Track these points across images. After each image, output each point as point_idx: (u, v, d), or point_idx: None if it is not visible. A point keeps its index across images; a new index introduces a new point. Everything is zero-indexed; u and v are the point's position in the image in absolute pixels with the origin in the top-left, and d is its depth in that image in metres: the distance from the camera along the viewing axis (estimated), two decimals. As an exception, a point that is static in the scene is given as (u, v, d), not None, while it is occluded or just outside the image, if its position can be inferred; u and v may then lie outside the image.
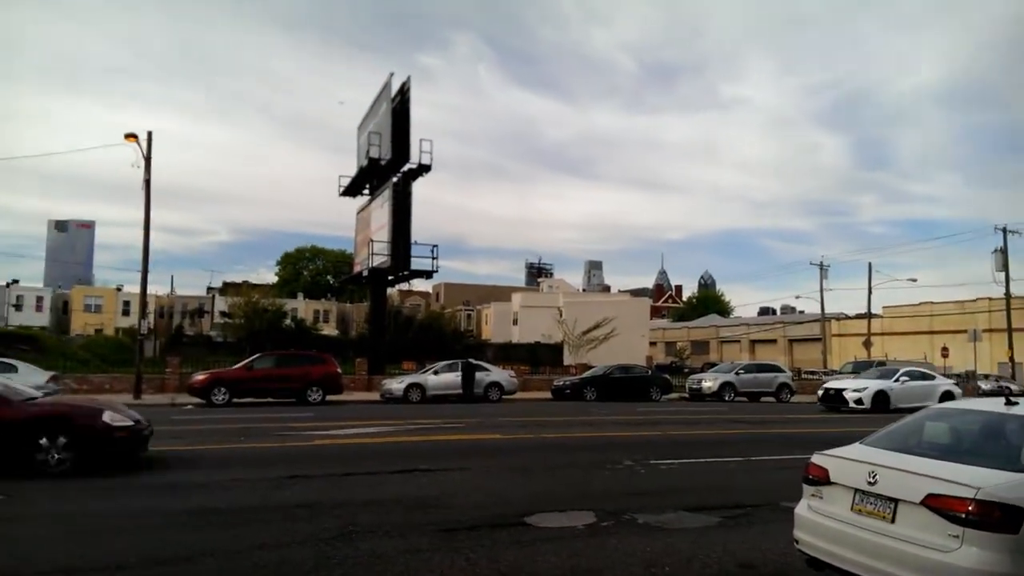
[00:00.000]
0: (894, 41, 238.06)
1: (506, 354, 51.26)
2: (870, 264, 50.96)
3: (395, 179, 33.88)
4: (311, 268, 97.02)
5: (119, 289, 76.13)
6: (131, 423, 9.74)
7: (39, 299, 73.90)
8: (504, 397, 27.09)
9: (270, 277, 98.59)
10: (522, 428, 16.16)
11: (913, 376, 25.55)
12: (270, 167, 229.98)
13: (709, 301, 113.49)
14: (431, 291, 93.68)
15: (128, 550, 5.74)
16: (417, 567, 5.47)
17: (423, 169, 33.19)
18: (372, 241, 34.40)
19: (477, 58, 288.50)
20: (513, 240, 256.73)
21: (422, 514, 7.23)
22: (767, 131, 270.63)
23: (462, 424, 16.64)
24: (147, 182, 25.87)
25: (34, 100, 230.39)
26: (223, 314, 65.00)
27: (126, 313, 71.01)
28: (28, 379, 21.30)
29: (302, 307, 76.10)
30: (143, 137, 25.63)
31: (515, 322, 69.79)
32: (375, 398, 26.35)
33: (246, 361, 24.45)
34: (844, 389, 24.52)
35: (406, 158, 33.13)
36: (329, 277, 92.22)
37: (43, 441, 8.96)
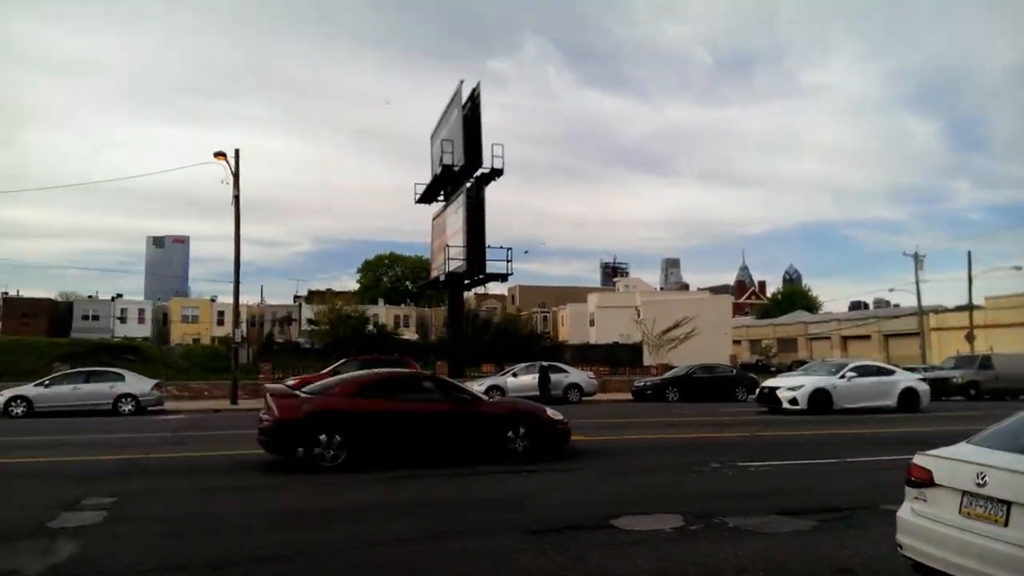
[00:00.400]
0: (986, 17, 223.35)
1: (584, 355, 50.98)
2: (969, 252, 47.66)
3: (468, 184, 34.28)
4: (390, 275, 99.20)
5: (213, 300, 79.94)
6: (563, 418, 11.63)
7: (141, 311, 78.34)
8: (584, 398, 26.95)
9: (352, 284, 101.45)
10: (604, 430, 16.04)
11: (865, 372, 21.86)
12: (349, 179, 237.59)
13: (795, 296, 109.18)
14: (507, 294, 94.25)
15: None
16: (504, 567, 5.52)
17: (495, 173, 33.45)
18: (448, 246, 34.90)
19: (546, 60, 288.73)
20: (587, 240, 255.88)
21: (507, 515, 7.30)
22: (852, 117, 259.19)
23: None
24: (236, 198, 27.14)
25: (133, 126, 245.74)
26: (310, 321, 67.43)
27: (220, 322, 74.51)
28: (134, 387, 22.84)
29: (383, 313, 77.89)
30: (231, 155, 26.93)
31: (592, 323, 69.28)
32: (456, 401, 26.69)
33: (333, 366, 25.24)
34: (778, 388, 21.25)
35: (478, 163, 33.47)
36: (408, 283, 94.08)
37: (510, 433, 10.87)
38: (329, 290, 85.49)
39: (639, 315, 52.79)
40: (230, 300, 29.45)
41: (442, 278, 36.63)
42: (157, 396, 23.34)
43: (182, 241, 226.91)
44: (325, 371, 25.11)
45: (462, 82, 34.76)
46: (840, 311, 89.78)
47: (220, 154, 26.53)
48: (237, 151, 27.09)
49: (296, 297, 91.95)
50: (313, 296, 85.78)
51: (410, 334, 74.40)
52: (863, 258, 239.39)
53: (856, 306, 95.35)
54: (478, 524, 6.88)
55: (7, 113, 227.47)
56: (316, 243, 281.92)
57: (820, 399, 20.30)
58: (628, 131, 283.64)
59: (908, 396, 21.22)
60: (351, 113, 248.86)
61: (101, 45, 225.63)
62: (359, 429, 10.11)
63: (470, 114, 34.13)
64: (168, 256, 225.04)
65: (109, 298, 78.42)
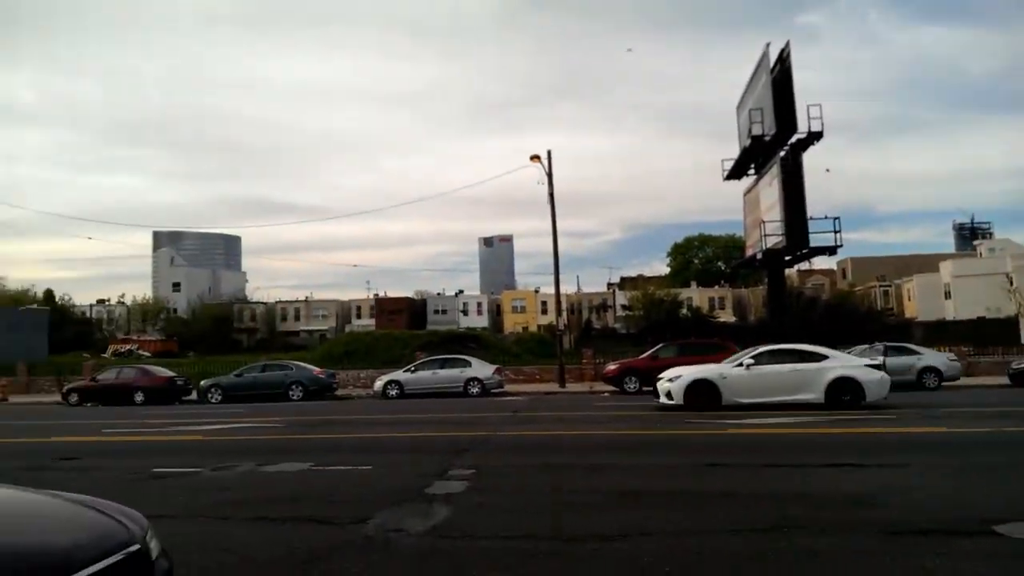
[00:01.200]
0: None
1: (939, 333, 44.24)
2: None
3: (782, 153, 31.94)
4: (701, 256, 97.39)
5: (536, 291, 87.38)
6: None
7: (479, 304, 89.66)
8: (943, 384, 23.48)
9: (662, 269, 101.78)
10: (972, 420, 13.70)
11: (777, 357, 16.91)
12: (655, 163, 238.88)
13: None
14: (836, 268, 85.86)
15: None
16: (865, 571, 4.99)
17: (813, 137, 30.60)
18: (763, 222, 32.96)
19: (865, 2, 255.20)
20: (933, 200, 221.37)
21: (858, 513, 6.59)
22: None
23: (893, 416, 14.77)
24: (551, 195, 29.04)
25: (467, 141, 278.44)
26: (623, 307, 69.42)
27: (544, 311, 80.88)
28: (479, 372, 25.89)
29: (696, 295, 76.78)
30: (544, 156, 28.85)
31: (947, 295, 59.95)
32: (783, 385, 25.14)
33: (651, 351, 25.64)
34: (662, 378, 17.64)
35: (792, 129, 30.95)
36: (720, 263, 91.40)
37: None
38: (640, 276, 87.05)
39: (1011, 283, 44.03)
40: (551, 290, 31.69)
41: (758, 256, 34.74)
42: (498, 380, 26.15)
43: (507, 240, 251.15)
44: (644, 356, 25.63)
45: (768, 45, 32.41)
46: None
47: (535, 157, 28.62)
48: (549, 152, 28.97)
49: (609, 284, 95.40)
50: (625, 282, 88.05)
51: (726, 316, 72.14)
52: None
53: None
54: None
55: (371, 144, 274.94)
56: (626, 230, 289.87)
57: (702, 391, 16.46)
58: (978, 67, 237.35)
59: (842, 388, 15.98)
60: (655, 97, 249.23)
61: (440, 76, 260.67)
62: None
63: (780, 77, 31.72)
64: (497, 254, 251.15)
65: (453, 294, 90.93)
